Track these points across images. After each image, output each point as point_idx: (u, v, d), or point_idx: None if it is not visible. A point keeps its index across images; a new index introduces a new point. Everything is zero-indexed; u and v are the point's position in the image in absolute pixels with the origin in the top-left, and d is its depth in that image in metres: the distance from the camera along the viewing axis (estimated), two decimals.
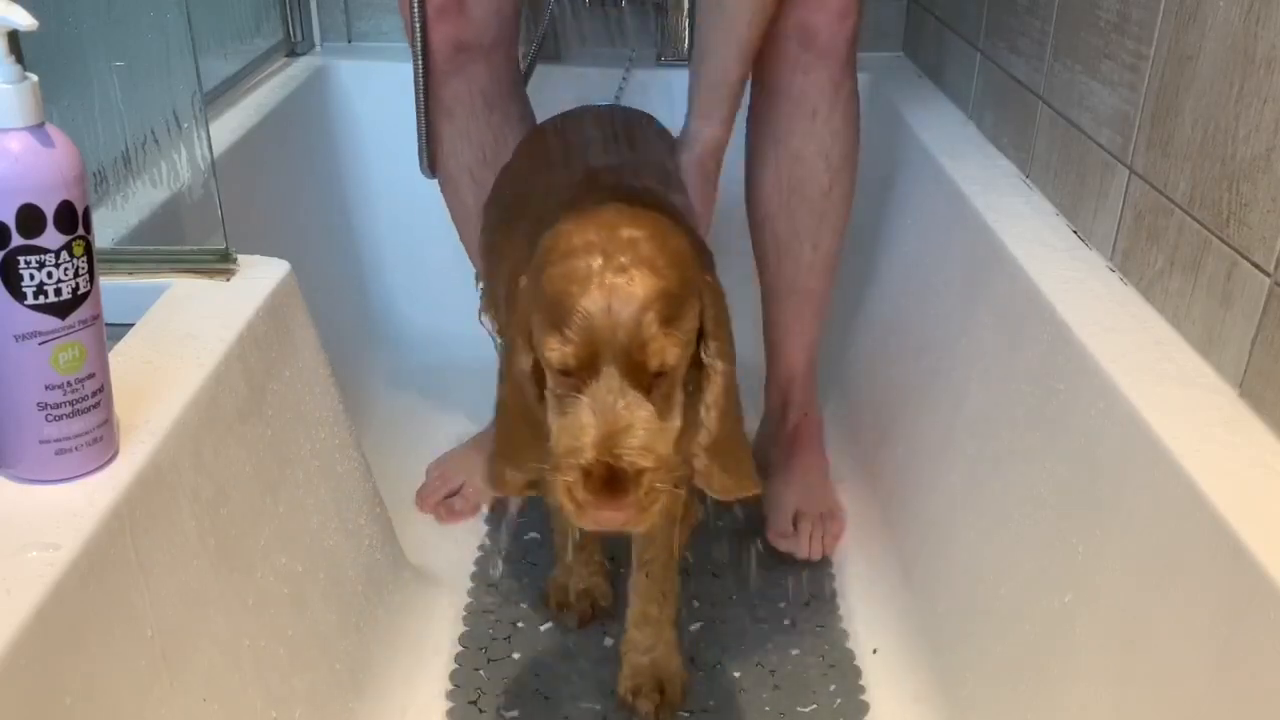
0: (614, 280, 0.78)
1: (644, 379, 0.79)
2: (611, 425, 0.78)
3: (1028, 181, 1.34)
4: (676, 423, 0.83)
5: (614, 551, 1.23)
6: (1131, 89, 1.08)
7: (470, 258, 1.37)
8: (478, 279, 1.31)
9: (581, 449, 0.79)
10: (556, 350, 0.79)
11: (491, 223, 1.16)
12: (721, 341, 0.86)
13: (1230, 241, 0.90)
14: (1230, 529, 0.73)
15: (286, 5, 1.76)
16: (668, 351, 0.79)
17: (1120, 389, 0.90)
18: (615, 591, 1.21)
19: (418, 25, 1.20)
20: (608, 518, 0.79)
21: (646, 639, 1.10)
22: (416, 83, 1.23)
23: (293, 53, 1.78)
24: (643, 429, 0.79)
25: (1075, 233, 1.20)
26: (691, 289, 0.83)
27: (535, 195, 1.04)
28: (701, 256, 0.90)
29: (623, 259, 0.79)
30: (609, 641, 1.18)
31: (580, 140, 1.15)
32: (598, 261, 0.79)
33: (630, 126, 1.19)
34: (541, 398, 0.85)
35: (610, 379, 0.78)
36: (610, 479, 0.78)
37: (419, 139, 1.27)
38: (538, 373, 0.85)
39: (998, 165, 1.40)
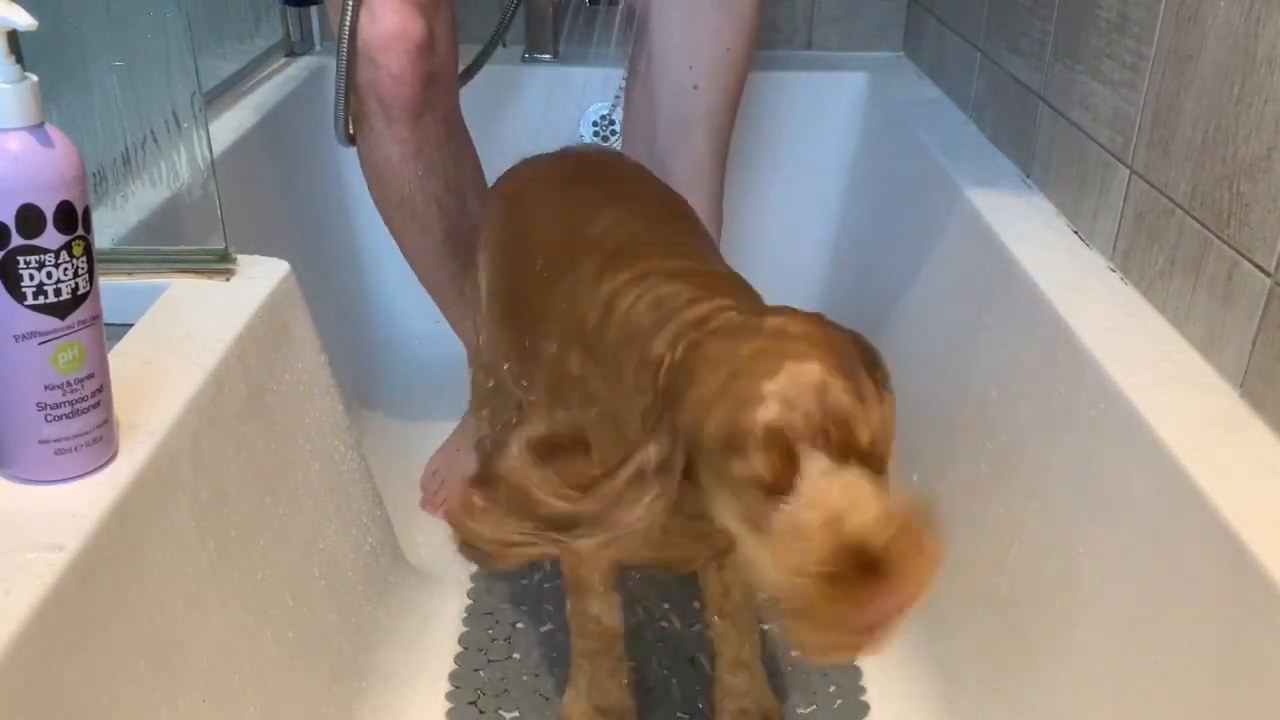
0: (797, 364, 0.65)
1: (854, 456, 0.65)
2: (879, 503, 0.63)
3: (1028, 181, 1.34)
4: None
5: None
6: (1132, 89, 1.08)
7: (434, 297, 1.35)
8: (472, 361, 1.22)
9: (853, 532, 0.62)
10: (752, 468, 0.65)
11: (497, 302, 1.04)
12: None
13: (1231, 241, 0.90)
14: (1230, 529, 0.73)
15: (286, 5, 1.76)
16: (872, 419, 0.65)
17: (1120, 389, 0.90)
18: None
19: (348, 22, 1.12)
20: (893, 604, 0.61)
21: (743, 683, 1.05)
22: (339, 66, 1.15)
23: (292, 53, 1.77)
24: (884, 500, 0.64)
25: (1075, 233, 1.20)
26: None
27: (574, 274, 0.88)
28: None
29: (797, 345, 0.67)
30: None
31: (603, 202, 0.97)
32: (774, 347, 0.67)
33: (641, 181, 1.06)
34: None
35: (851, 469, 0.64)
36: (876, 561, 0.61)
37: (336, 110, 1.19)
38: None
39: (998, 165, 1.40)
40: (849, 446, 0.64)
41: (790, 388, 0.65)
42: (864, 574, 0.61)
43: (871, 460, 0.65)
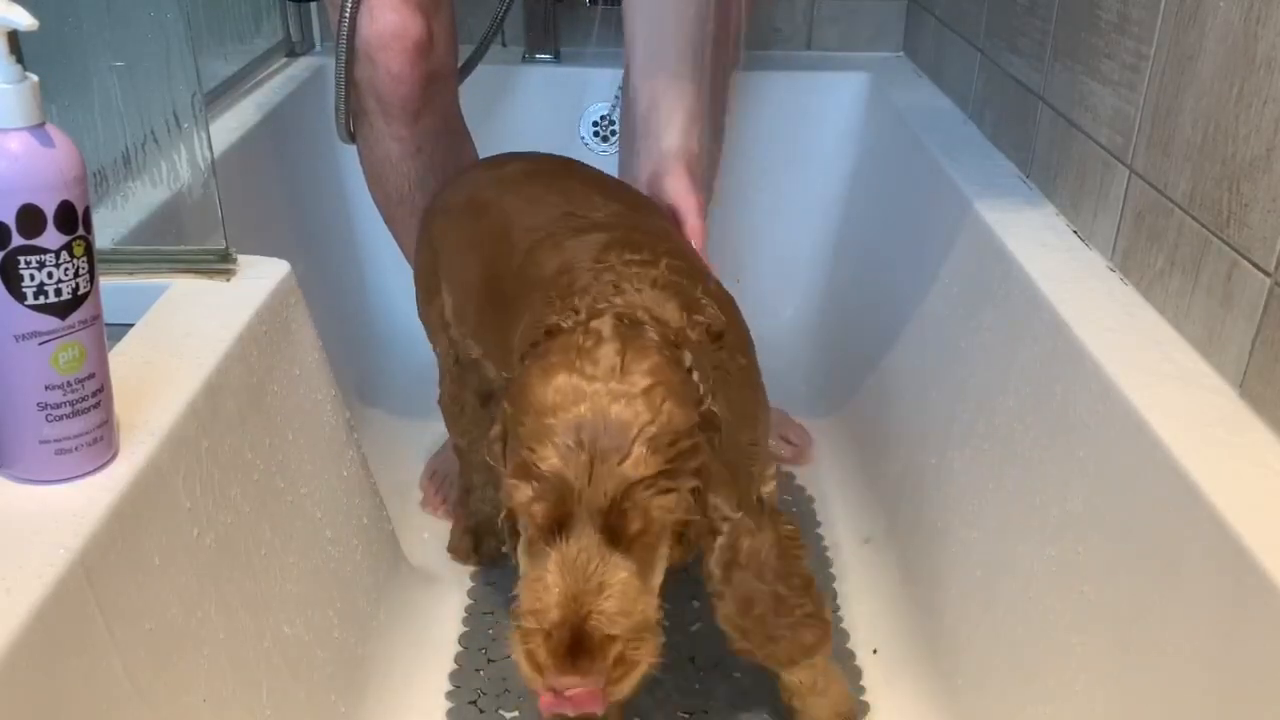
0: (596, 424, 0.72)
1: (623, 538, 0.74)
2: (581, 585, 0.72)
3: (1028, 181, 1.34)
4: (656, 581, 0.78)
5: None
6: (1131, 89, 1.08)
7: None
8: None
9: (545, 610, 0.73)
10: (525, 502, 0.73)
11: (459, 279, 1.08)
12: (728, 492, 0.80)
13: (1230, 241, 0.90)
14: (1230, 529, 0.73)
15: (286, 5, 1.76)
16: (653, 509, 0.73)
17: (1120, 389, 0.90)
18: None
19: (346, 18, 1.12)
20: (570, 683, 0.71)
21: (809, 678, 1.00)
22: (339, 64, 1.15)
23: (292, 53, 1.78)
24: (619, 592, 0.73)
25: (1075, 233, 1.20)
26: (694, 434, 0.76)
27: (537, 252, 0.94)
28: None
29: (613, 405, 0.72)
30: None
31: (569, 190, 1.02)
32: (582, 406, 0.72)
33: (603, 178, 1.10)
34: (514, 528, 0.80)
35: (584, 538, 0.73)
36: (576, 644, 0.72)
37: (336, 108, 1.19)
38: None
39: (998, 165, 1.40)
40: (620, 533, 0.73)
41: (589, 458, 0.72)
42: (567, 653, 0.71)
43: (647, 539, 0.75)
